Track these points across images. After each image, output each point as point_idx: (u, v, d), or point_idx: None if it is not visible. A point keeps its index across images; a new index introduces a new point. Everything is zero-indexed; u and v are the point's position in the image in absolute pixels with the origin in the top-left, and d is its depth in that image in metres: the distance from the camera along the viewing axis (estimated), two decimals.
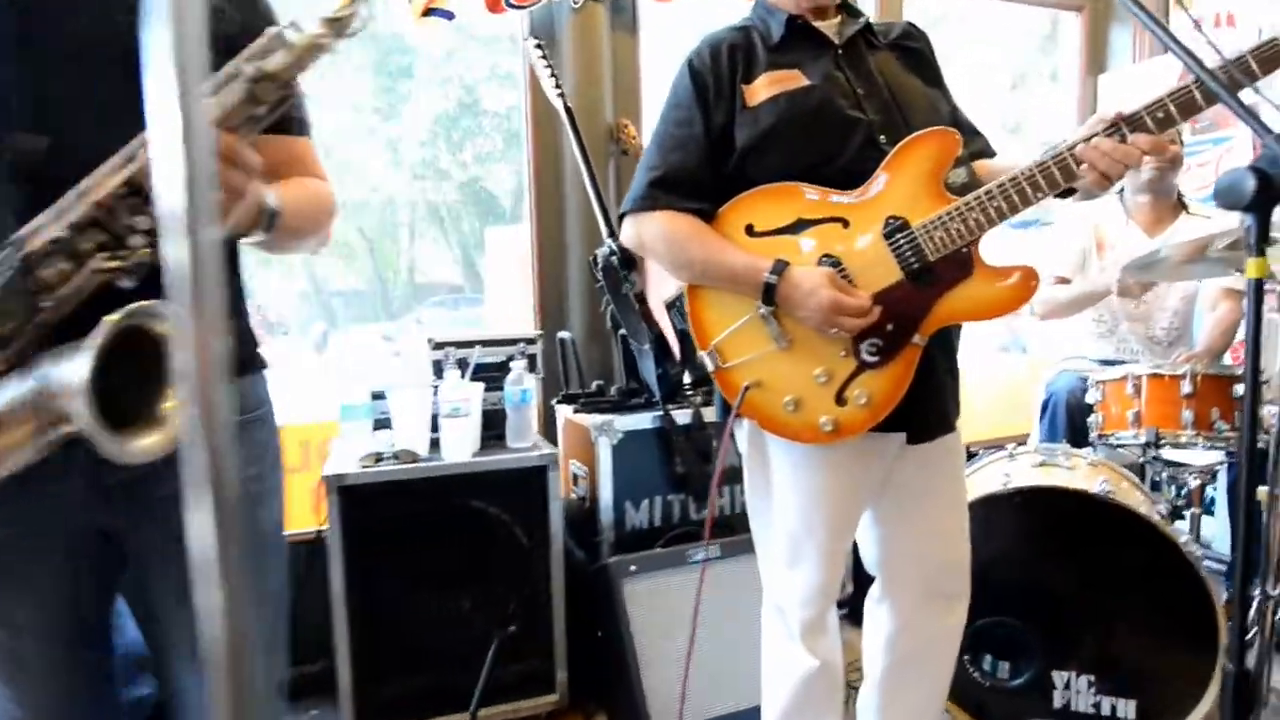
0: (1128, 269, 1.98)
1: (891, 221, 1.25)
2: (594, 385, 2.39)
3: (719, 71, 1.33)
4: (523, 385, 2.03)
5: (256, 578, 0.98)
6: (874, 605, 1.53)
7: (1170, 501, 2.03)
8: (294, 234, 0.97)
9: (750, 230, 1.31)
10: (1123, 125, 1.18)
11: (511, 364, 2.05)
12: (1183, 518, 2.04)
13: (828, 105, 1.29)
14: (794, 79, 1.31)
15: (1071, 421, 2.38)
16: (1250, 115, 0.90)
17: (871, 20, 1.43)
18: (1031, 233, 3.69)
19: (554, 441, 2.41)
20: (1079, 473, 1.86)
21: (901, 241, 1.25)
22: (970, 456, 2.62)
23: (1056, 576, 1.75)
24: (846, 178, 1.28)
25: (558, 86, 2.08)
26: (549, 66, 2.07)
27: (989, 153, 1.45)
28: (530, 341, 2.18)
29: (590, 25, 2.48)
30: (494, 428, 2.07)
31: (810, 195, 1.28)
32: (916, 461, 1.39)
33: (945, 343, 1.35)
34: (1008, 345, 4.04)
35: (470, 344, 2.08)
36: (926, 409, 1.33)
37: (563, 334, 2.35)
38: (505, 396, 2.03)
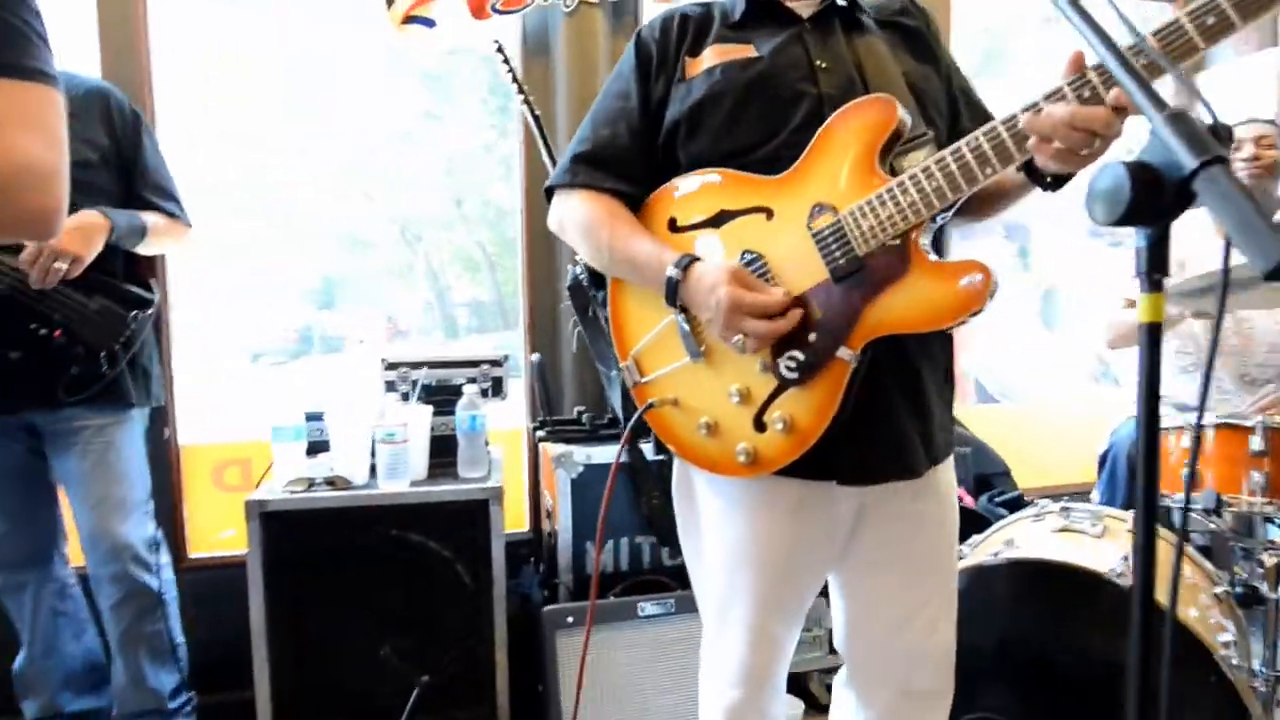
0: (1188, 294, 1.60)
1: (819, 209, 1.03)
2: (575, 412, 2.23)
3: (666, 43, 1.18)
4: (474, 410, 1.89)
5: None
6: (841, 688, 1.28)
7: (1244, 582, 1.61)
8: None
9: (673, 225, 1.13)
10: (1090, 75, 0.88)
11: (464, 388, 1.91)
12: (1262, 601, 1.62)
13: (770, 78, 1.10)
14: (741, 51, 1.13)
15: (1134, 478, 1.99)
16: (1145, 90, 0.63)
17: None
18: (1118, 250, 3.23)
19: (538, 472, 2.25)
20: (1107, 543, 1.51)
21: (826, 232, 1.02)
22: (1020, 505, 2.27)
23: (1056, 673, 1.41)
24: (784, 163, 1.07)
25: (521, 90, 1.95)
26: (510, 70, 1.94)
27: None
28: (496, 363, 2.04)
29: (586, 31, 2.34)
30: (448, 455, 1.94)
31: (734, 181, 1.09)
32: (883, 520, 1.15)
33: (902, 363, 1.09)
34: (1098, 375, 3.53)
35: (422, 364, 1.97)
36: (867, 445, 1.07)
37: (534, 356, 2.19)
38: (455, 422, 1.90)
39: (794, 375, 1.04)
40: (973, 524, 1.86)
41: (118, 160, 1.78)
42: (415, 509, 1.79)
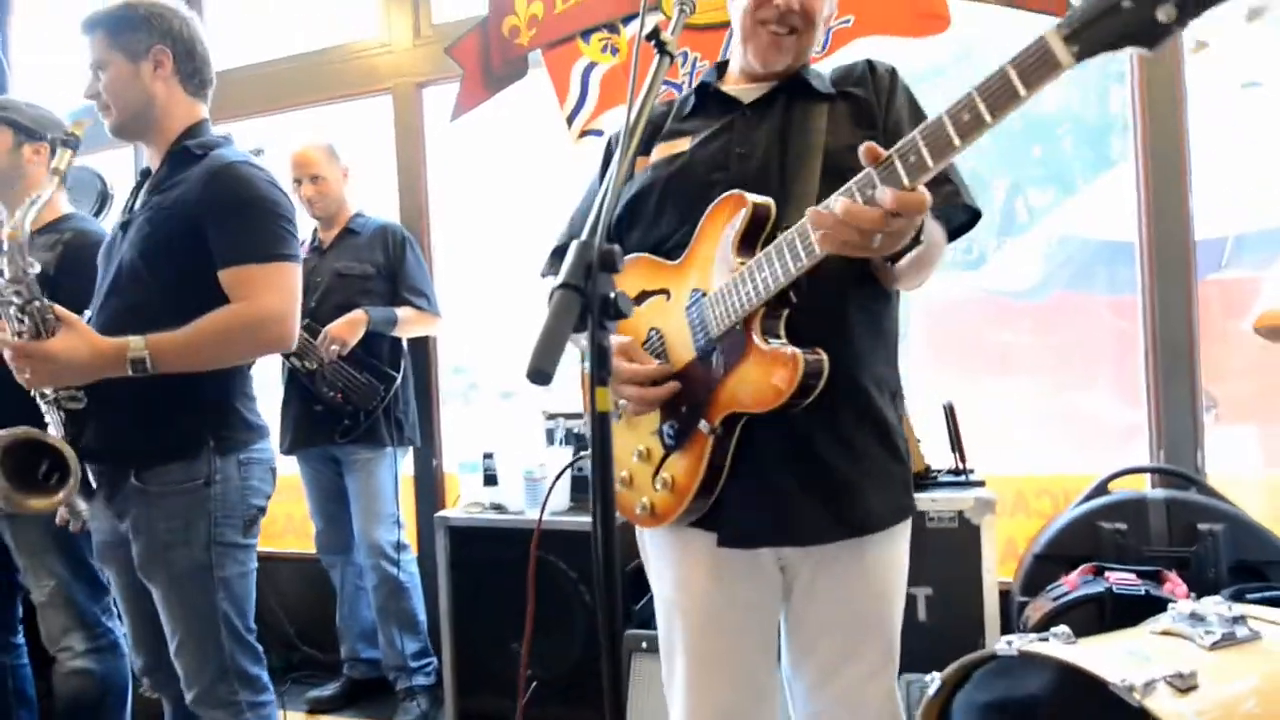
0: None
1: (694, 294, 1.16)
2: None
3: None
4: None
5: (172, 600, 1.48)
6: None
7: None
8: (189, 362, 1.41)
9: None
10: (874, 174, 0.92)
11: None
12: None
13: (688, 170, 1.22)
14: (677, 146, 1.25)
15: None
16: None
17: (848, 63, 1.28)
18: None
19: None
20: (1200, 656, 1.18)
21: (694, 315, 1.16)
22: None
23: None
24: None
25: None
26: None
27: (949, 203, 1.15)
28: None
29: None
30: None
31: (649, 265, 1.24)
32: (808, 577, 1.20)
33: (788, 430, 1.12)
34: None
35: (569, 415, 2.38)
36: (742, 510, 1.15)
37: None
38: None
39: (671, 441, 1.17)
40: None
41: (388, 272, 2.58)
42: (549, 534, 2.18)
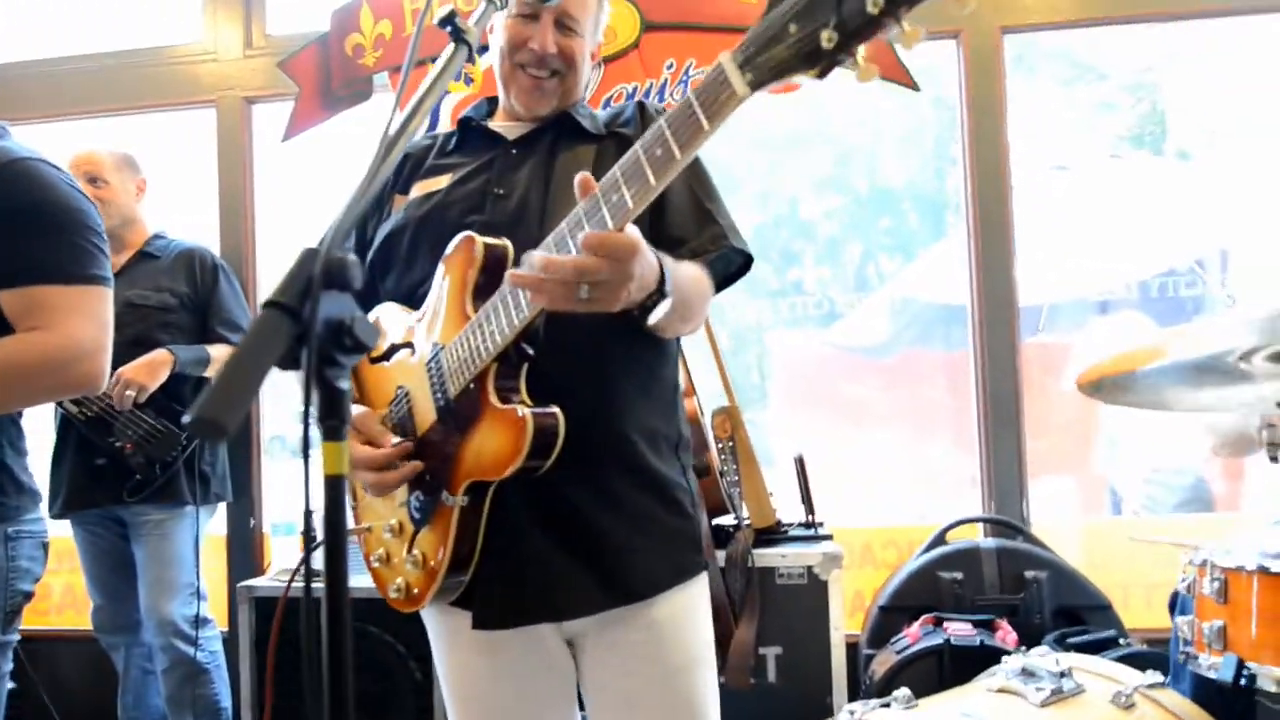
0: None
1: (434, 347, 1.03)
2: None
3: (386, 182, 1.20)
4: None
5: None
6: None
7: None
8: None
9: (370, 357, 1.17)
10: (585, 220, 0.84)
11: None
12: None
13: (442, 210, 1.11)
14: (435, 184, 1.15)
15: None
16: None
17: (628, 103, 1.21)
18: None
19: None
20: (1037, 715, 1.17)
21: (434, 371, 1.02)
22: (1102, 647, 1.84)
23: None
24: None
25: None
26: None
27: (710, 250, 1.08)
28: None
29: None
30: None
31: (398, 315, 1.11)
32: (597, 650, 1.08)
33: (546, 498, 1.01)
34: None
35: None
36: (495, 587, 1.03)
37: None
38: None
39: (417, 515, 1.03)
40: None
41: (194, 304, 2.26)
42: (372, 604, 1.93)
